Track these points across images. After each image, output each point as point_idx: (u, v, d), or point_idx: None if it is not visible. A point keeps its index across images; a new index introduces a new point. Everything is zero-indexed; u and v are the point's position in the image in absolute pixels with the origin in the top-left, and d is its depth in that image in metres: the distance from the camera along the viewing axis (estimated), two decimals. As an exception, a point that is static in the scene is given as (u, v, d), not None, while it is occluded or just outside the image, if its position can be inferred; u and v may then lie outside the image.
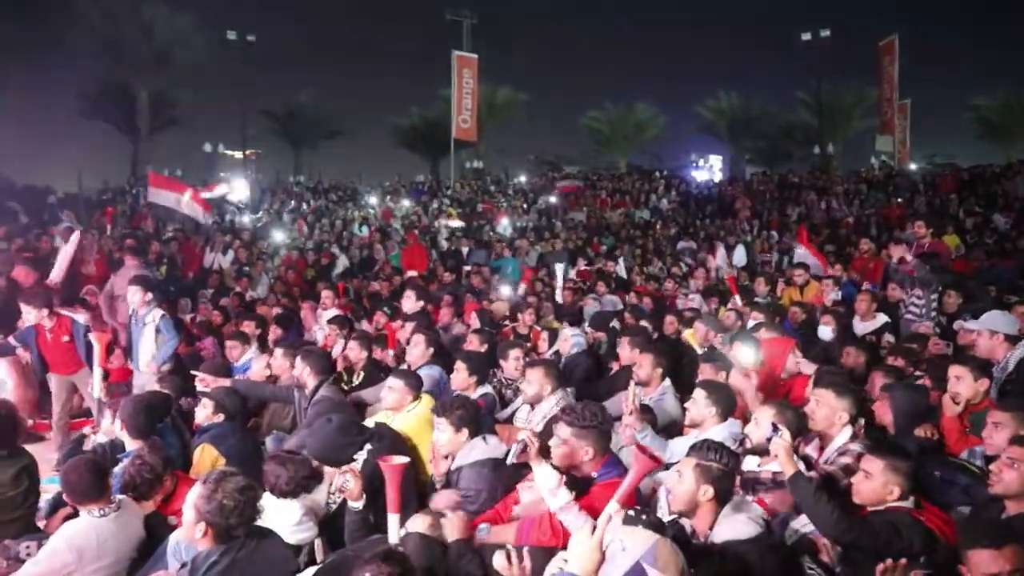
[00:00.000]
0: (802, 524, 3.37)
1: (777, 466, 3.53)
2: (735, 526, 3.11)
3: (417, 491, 4.27)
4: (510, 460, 3.50)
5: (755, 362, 5.33)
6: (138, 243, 11.35)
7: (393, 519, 3.33)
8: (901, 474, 3.28)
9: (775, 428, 3.50)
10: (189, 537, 3.24)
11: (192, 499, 3.14)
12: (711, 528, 3.15)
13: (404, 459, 3.49)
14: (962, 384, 4.40)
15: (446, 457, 4.24)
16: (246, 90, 35.69)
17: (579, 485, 3.44)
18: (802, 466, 3.49)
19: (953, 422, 4.30)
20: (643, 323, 7.49)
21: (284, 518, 3.79)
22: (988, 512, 3.35)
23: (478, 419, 4.34)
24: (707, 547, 3.06)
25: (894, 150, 32.59)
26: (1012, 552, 2.61)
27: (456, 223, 20.60)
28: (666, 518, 3.28)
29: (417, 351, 6.12)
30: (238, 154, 39.66)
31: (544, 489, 3.36)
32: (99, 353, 6.28)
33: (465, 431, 4.18)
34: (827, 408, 4.00)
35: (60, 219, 15.51)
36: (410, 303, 8.16)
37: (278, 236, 18.25)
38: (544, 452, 3.49)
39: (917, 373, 5.36)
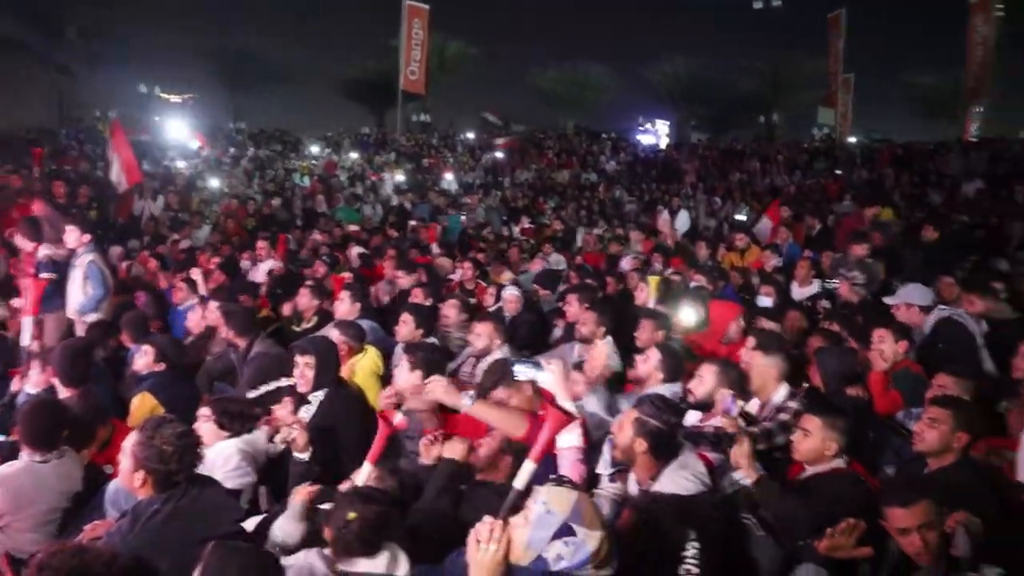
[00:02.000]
0: (741, 476, 3.48)
1: (719, 421, 3.64)
2: (678, 482, 3.20)
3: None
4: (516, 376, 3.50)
5: (697, 324, 5.46)
6: (68, 185, 10.94)
7: (529, 467, 3.01)
8: (838, 431, 3.41)
9: (744, 419, 3.58)
10: (128, 485, 3.16)
11: (129, 447, 3.06)
12: (652, 479, 3.24)
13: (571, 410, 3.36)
14: (885, 344, 4.68)
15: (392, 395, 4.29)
16: (185, 29, 34.24)
17: None
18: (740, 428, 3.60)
19: (878, 376, 4.58)
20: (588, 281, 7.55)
21: (222, 463, 3.76)
22: (912, 469, 3.53)
23: (438, 368, 4.37)
24: (650, 497, 3.14)
25: (836, 123, 33.33)
26: (921, 508, 2.75)
27: (400, 177, 20.33)
28: (609, 468, 3.36)
29: (344, 306, 6.10)
30: (175, 97, 38.27)
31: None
32: (30, 301, 6.05)
33: (419, 372, 4.22)
34: (758, 367, 4.16)
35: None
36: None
37: (215, 183, 17.73)
38: None
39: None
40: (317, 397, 4.19)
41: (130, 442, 3.07)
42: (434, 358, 4.41)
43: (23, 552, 3.36)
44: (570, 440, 3.33)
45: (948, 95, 37.59)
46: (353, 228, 12.79)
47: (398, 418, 3.48)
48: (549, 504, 2.36)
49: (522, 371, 3.34)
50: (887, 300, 5.99)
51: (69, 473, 3.78)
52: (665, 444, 3.28)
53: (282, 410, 4.05)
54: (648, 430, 3.22)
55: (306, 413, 4.13)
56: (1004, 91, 30.01)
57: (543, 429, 2.89)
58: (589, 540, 2.32)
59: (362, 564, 2.73)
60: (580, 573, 2.33)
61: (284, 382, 4.63)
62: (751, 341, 4.73)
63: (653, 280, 6.53)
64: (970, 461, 3.36)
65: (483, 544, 2.36)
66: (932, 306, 5.65)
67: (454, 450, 3.46)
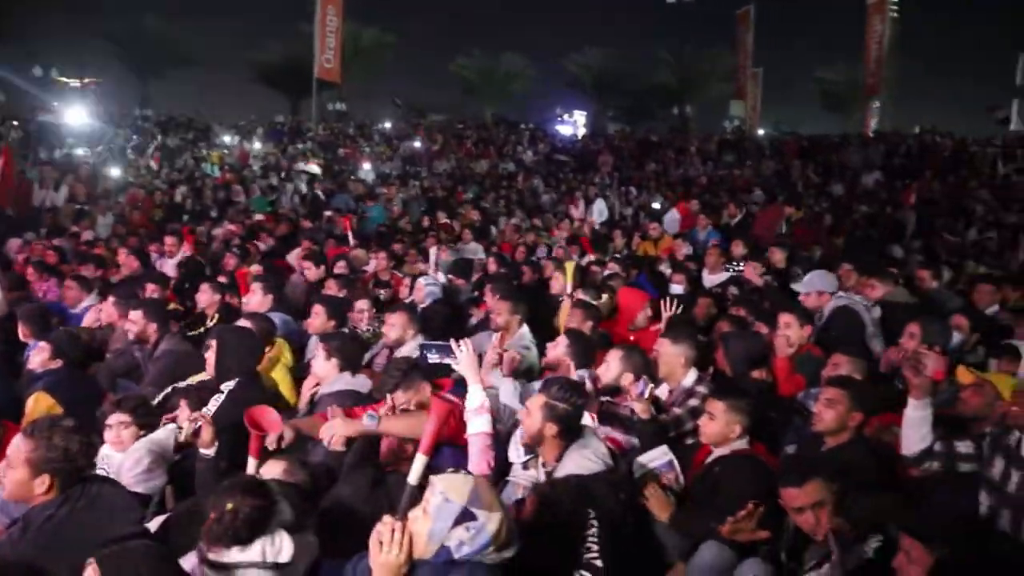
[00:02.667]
0: (649, 459, 3.58)
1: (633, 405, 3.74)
2: (579, 461, 3.28)
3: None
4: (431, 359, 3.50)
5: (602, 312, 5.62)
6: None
7: (421, 460, 3.12)
8: (741, 413, 3.56)
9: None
10: (25, 495, 2.93)
11: (22, 455, 2.84)
12: (557, 460, 3.31)
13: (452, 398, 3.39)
14: (791, 329, 4.87)
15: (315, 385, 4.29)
16: (90, 10, 32.50)
17: None
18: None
19: (784, 362, 4.77)
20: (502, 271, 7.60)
21: (130, 465, 3.62)
22: (811, 448, 3.70)
23: (355, 358, 4.41)
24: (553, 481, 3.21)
25: (746, 115, 34.44)
26: (814, 487, 2.90)
27: (315, 168, 19.92)
28: (521, 456, 3.40)
29: (255, 299, 5.97)
30: (75, 82, 36.23)
31: (472, 410, 3.39)
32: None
33: (335, 361, 4.24)
34: (666, 355, 4.29)
35: None
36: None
37: (116, 172, 16.98)
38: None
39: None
40: (228, 387, 4.09)
41: (20, 449, 2.85)
42: (350, 347, 4.39)
43: None
44: (480, 426, 3.36)
45: (850, 90, 39.35)
46: (260, 218, 12.48)
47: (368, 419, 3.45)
48: (446, 493, 2.38)
49: (434, 356, 3.35)
50: (796, 287, 6.19)
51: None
52: (573, 426, 3.36)
53: (181, 412, 3.92)
54: (557, 414, 3.29)
55: (213, 404, 4.01)
56: (900, 88, 31.62)
57: (429, 421, 2.90)
58: (490, 523, 2.36)
59: (233, 554, 2.63)
60: (482, 557, 2.37)
61: (193, 379, 4.51)
62: (660, 328, 4.88)
63: (569, 266, 6.61)
64: (863, 438, 3.55)
65: (385, 546, 2.37)
66: (835, 292, 5.89)
67: (351, 427, 3.48)
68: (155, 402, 4.36)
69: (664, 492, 3.47)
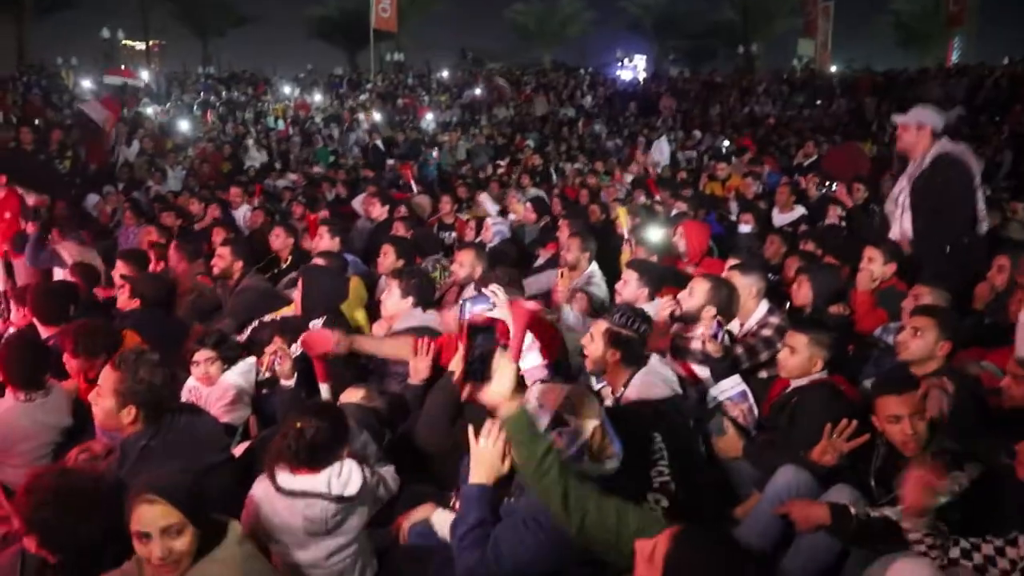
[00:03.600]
0: (721, 390, 3.53)
1: (705, 343, 3.69)
2: (645, 387, 3.26)
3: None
4: (465, 314, 3.50)
5: (662, 247, 5.53)
6: (36, 132, 10.68)
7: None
8: (824, 347, 3.45)
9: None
10: (114, 425, 3.06)
11: (111, 386, 2.95)
12: (624, 386, 3.29)
13: (534, 304, 3.35)
14: (875, 264, 4.71)
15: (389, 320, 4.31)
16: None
17: None
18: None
19: (866, 296, 4.60)
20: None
21: (218, 397, 3.76)
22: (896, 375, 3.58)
23: (427, 294, 4.41)
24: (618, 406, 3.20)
25: (815, 53, 32.96)
26: (913, 397, 2.83)
27: (377, 117, 19.99)
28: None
29: (324, 242, 6.09)
30: (140, 44, 37.05)
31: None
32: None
33: (411, 299, 4.24)
34: (736, 288, 4.16)
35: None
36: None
37: (185, 127, 17.36)
38: None
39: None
40: (316, 326, 4.17)
41: (108, 380, 2.97)
42: (423, 283, 4.39)
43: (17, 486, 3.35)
44: (532, 360, 3.35)
45: (929, 22, 37.28)
46: (318, 170, 12.65)
47: None
48: (539, 399, 2.40)
49: (476, 307, 3.35)
50: (898, 118, 5.40)
51: (58, 408, 3.75)
52: (636, 352, 3.34)
53: (274, 346, 4.00)
54: (620, 340, 3.29)
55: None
56: (983, 16, 29.80)
57: (514, 327, 2.89)
58: (583, 429, 2.37)
59: (298, 481, 2.64)
60: (583, 467, 2.37)
61: (278, 315, 4.62)
62: (729, 263, 4.76)
63: (622, 211, 6.52)
64: (952, 369, 3.42)
65: (482, 439, 2.42)
66: (940, 134, 5.19)
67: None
68: (244, 337, 4.48)
69: (736, 429, 3.42)
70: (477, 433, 2.51)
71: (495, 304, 3.36)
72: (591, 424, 2.38)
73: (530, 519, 2.32)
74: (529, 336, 3.21)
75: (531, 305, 3.09)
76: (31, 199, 7.15)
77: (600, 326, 3.37)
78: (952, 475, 2.51)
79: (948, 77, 21.21)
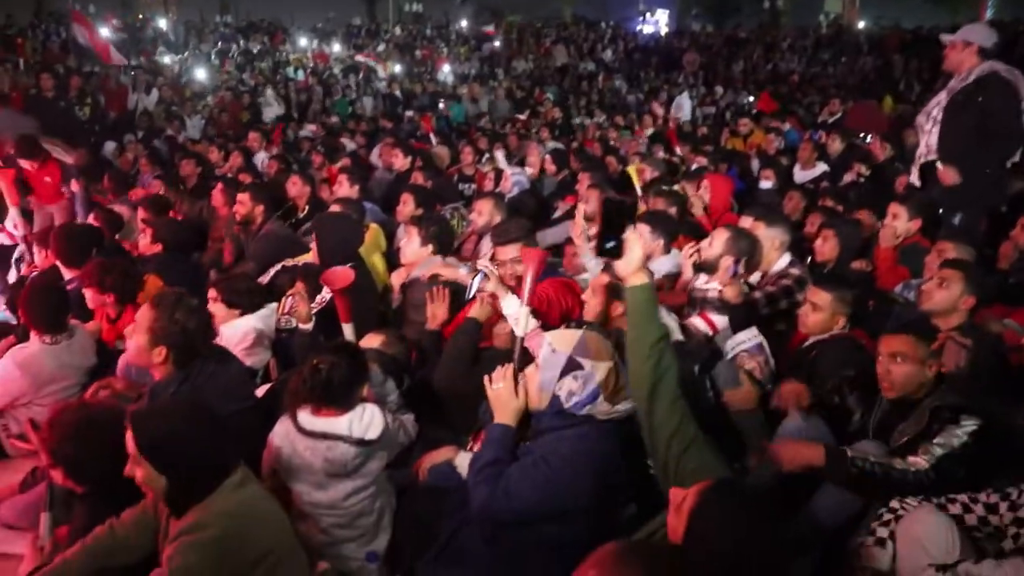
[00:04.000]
0: (738, 341, 3.52)
1: (728, 291, 3.68)
2: None
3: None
4: (473, 291, 3.52)
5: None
6: (56, 78, 10.64)
7: (524, 312, 2.93)
8: (846, 304, 3.44)
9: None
10: (143, 362, 3.10)
11: (146, 323, 2.98)
12: None
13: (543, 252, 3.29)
14: (899, 220, 4.67)
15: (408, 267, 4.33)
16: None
17: (537, 315, 3.48)
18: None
19: (888, 252, 4.56)
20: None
21: (238, 340, 3.78)
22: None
23: (446, 241, 4.44)
24: None
25: (843, 10, 32.20)
26: (905, 339, 2.81)
27: (396, 68, 19.80)
28: None
29: (343, 189, 6.12)
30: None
31: (510, 317, 3.31)
32: (7, 191, 5.92)
33: (431, 247, 4.27)
34: (760, 239, 4.12)
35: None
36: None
37: (202, 75, 17.28)
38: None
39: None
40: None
41: (145, 318, 3.00)
42: (442, 230, 4.41)
43: None
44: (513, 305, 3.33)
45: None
46: (336, 120, 12.60)
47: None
48: (553, 343, 2.42)
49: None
50: (946, 37, 5.18)
51: (83, 349, 3.81)
52: None
53: (293, 289, 4.01)
54: (622, 292, 3.27)
55: (328, 291, 4.12)
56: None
57: (526, 272, 2.89)
58: (597, 371, 2.38)
59: (320, 422, 2.66)
60: (596, 409, 2.39)
61: (290, 262, 4.63)
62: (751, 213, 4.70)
63: (631, 168, 6.45)
64: (974, 325, 3.39)
65: (496, 382, 2.47)
66: (989, 53, 4.97)
67: (480, 311, 3.45)
68: (266, 280, 4.51)
69: (751, 381, 3.41)
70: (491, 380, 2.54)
71: (489, 278, 3.39)
72: (605, 366, 2.40)
73: (540, 460, 2.36)
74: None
75: (541, 250, 3.09)
76: (69, 157, 7.14)
77: (600, 280, 3.35)
78: None
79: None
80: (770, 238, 4.11)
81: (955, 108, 4.88)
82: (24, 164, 6.70)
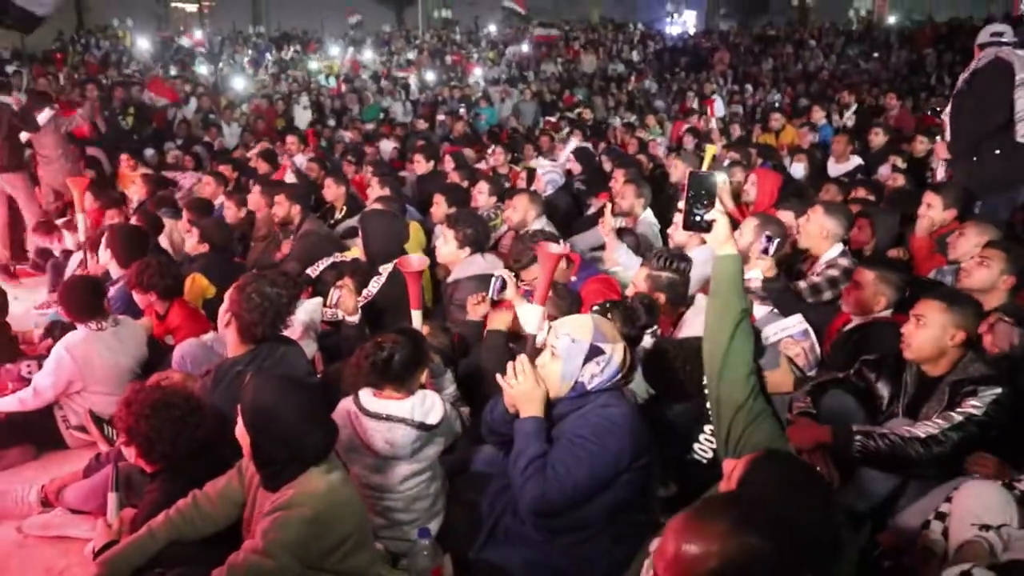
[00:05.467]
0: (782, 327, 3.56)
1: (758, 273, 3.71)
2: (694, 325, 3.30)
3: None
4: (491, 296, 3.60)
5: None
6: (100, 89, 10.96)
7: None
8: (890, 285, 3.47)
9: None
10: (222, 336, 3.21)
11: (226, 301, 3.12)
12: (673, 327, 3.35)
13: (560, 247, 3.36)
14: (933, 210, 4.67)
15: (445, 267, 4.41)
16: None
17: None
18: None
19: (924, 241, 4.59)
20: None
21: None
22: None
23: (483, 240, 4.47)
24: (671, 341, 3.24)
25: (873, 5, 31.82)
26: (930, 304, 2.86)
27: (430, 75, 19.99)
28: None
29: (374, 192, 6.16)
30: (191, 6, 37.27)
31: (528, 324, 3.29)
32: (79, 198, 6.13)
33: (467, 249, 4.33)
34: (816, 225, 4.17)
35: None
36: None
37: (239, 85, 17.61)
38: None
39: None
40: (386, 269, 4.28)
41: (228, 296, 3.14)
42: (478, 228, 4.44)
43: (104, 414, 3.51)
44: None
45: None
46: (370, 126, 12.76)
47: None
48: (572, 334, 2.48)
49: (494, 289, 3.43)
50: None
51: (132, 336, 3.97)
52: (680, 292, 3.44)
53: (341, 282, 4.11)
54: (662, 283, 3.39)
55: (375, 285, 4.23)
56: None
57: (541, 272, 2.95)
58: (616, 354, 2.48)
59: (383, 404, 2.72)
60: (612, 384, 2.51)
61: (338, 257, 4.74)
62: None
63: (711, 149, 6.48)
64: (1014, 305, 3.39)
65: (512, 378, 2.50)
66: (985, 44, 5.21)
67: (500, 320, 3.51)
68: (315, 275, 4.63)
69: (790, 364, 3.45)
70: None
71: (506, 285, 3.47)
72: (620, 346, 2.51)
73: (575, 439, 2.42)
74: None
75: (556, 249, 3.13)
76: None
77: (642, 272, 3.44)
78: None
79: (1016, 25, 20.24)
80: (822, 225, 4.13)
81: (959, 98, 5.17)
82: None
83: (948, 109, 5.36)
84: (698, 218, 2.29)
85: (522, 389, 2.48)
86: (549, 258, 2.92)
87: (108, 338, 3.85)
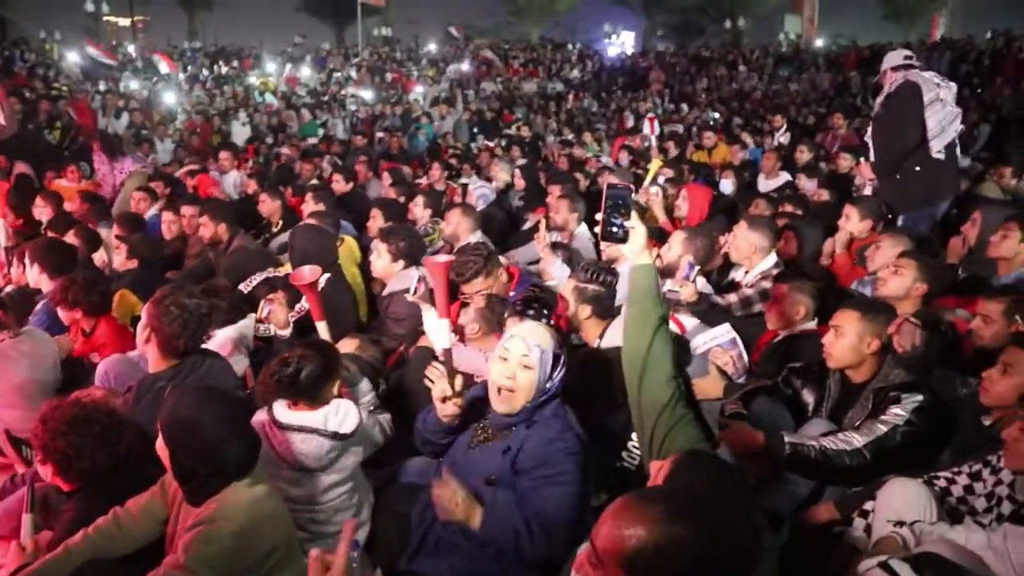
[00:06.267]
0: (711, 336, 3.65)
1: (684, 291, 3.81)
2: (619, 338, 3.35)
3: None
4: (410, 297, 3.61)
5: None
6: (24, 103, 10.62)
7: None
8: (804, 293, 3.59)
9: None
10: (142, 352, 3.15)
11: (145, 316, 3.06)
12: (599, 338, 3.41)
13: (448, 257, 3.29)
14: (850, 222, 4.86)
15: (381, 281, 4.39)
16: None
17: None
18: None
19: (843, 257, 4.75)
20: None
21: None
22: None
23: (417, 253, 4.46)
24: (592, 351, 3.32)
25: (802, 29, 33.04)
26: (846, 314, 3.00)
27: (367, 93, 19.92)
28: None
29: (310, 207, 6.12)
30: (124, 20, 36.53)
31: (436, 340, 3.21)
32: (-1, 204, 5.93)
33: (401, 263, 4.32)
34: (743, 240, 4.31)
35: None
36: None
37: (171, 100, 17.28)
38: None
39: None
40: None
41: (146, 311, 3.06)
42: (412, 242, 4.44)
43: (20, 432, 3.37)
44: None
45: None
46: (312, 141, 12.66)
47: None
48: (541, 344, 2.52)
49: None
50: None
51: (43, 345, 3.83)
52: (606, 305, 3.48)
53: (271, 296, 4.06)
54: (588, 296, 3.44)
55: (306, 302, 4.17)
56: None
57: (435, 285, 2.89)
58: (564, 356, 2.57)
59: (296, 416, 2.70)
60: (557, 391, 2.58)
61: (271, 273, 4.67)
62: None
63: (655, 164, 6.59)
64: (927, 312, 3.54)
65: (436, 381, 2.60)
66: (897, 68, 5.43)
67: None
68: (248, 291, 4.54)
69: (718, 371, 3.53)
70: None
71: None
72: (563, 350, 2.60)
73: (545, 479, 2.44)
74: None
75: (444, 258, 3.14)
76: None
77: (568, 285, 3.49)
78: None
79: (931, 51, 21.26)
80: (750, 240, 4.26)
81: (877, 120, 5.49)
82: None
83: (869, 131, 5.65)
84: (615, 229, 2.33)
85: (457, 512, 2.47)
86: (438, 269, 2.94)
87: (7, 347, 3.67)
